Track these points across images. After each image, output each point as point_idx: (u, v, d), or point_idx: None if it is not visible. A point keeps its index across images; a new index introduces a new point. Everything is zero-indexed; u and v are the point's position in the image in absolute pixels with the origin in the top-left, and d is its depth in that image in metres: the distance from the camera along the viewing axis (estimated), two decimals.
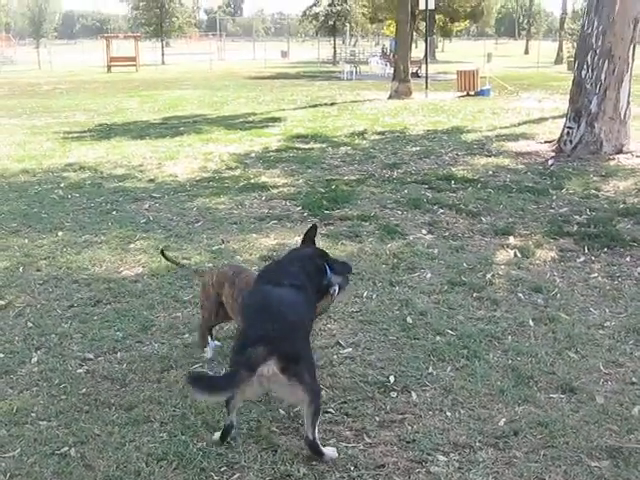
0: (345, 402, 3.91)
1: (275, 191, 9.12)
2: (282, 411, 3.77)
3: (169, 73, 40.49)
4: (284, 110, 18.80)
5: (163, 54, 55.44)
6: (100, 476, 3.28)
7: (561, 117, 12.47)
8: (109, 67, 43.94)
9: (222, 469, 3.34)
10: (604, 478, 3.23)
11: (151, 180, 9.97)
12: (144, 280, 5.88)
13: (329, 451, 3.40)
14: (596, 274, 5.98)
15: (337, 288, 3.84)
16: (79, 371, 4.34)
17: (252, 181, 9.74)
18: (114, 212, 8.18)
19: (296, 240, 6.95)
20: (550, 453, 3.43)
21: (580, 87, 11.08)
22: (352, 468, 3.34)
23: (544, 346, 4.60)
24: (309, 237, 4.03)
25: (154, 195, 8.98)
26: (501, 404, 3.88)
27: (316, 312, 3.92)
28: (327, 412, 3.73)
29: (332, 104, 20.50)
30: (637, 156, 10.65)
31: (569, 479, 3.23)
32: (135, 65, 44.54)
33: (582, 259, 6.37)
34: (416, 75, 28.05)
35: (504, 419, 3.72)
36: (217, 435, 3.54)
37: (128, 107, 20.32)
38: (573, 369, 4.28)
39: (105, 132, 15.06)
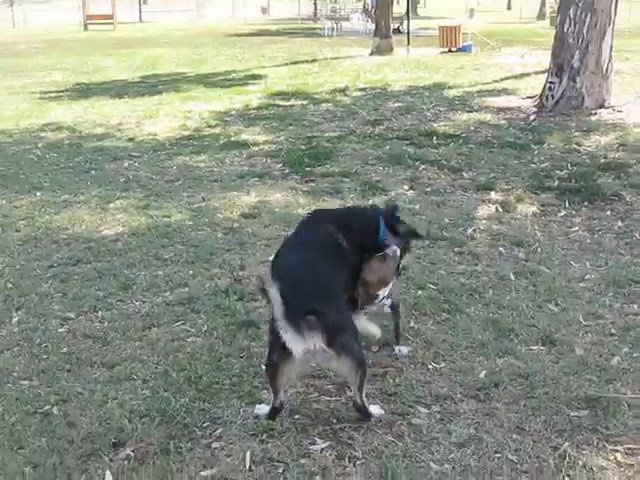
0: None
1: (256, 148, 9.04)
2: (264, 366, 3.76)
3: (147, 31, 39.70)
4: (264, 67, 18.56)
5: (141, 11, 54.32)
6: (83, 433, 3.29)
7: (543, 72, 12.38)
8: (86, 25, 43.00)
9: (205, 424, 3.35)
10: (583, 427, 3.28)
11: (130, 139, 9.85)
12: (124, 239, 5.84)
13: (375, 410, 3.38)
14: (577, 228, 6.02)
15: (396, 249, 3.62)
16: (60, 330, 4.33)
17: (233, 139, 9.64)
18: (93, 171, 8.09)
19: (276, 197, 6.93)
20: (530, 404, 3.47)
21: (562, 41, 10.99)
22: (334, 421, 3.36)
23: (525, 299, 4.63)
24: None
25: (133, 154, 8.87)
26: (482, 357, 3.91)
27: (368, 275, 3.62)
28: None
29: (313, 61, 20.26)
30: (618, 111, 10.62)
31: (549, 428, 3.28)
32: (112, 23, 43.62)
33: (563, 213, 6.39)
34: (397, 31, 27.69)
35: (485, 371, 3.75)
36: (263, 410, 3.39)
37: (106, 66, 19.96)
38: (553, 321, 4.32)
39: (83, 91, 14.80)
